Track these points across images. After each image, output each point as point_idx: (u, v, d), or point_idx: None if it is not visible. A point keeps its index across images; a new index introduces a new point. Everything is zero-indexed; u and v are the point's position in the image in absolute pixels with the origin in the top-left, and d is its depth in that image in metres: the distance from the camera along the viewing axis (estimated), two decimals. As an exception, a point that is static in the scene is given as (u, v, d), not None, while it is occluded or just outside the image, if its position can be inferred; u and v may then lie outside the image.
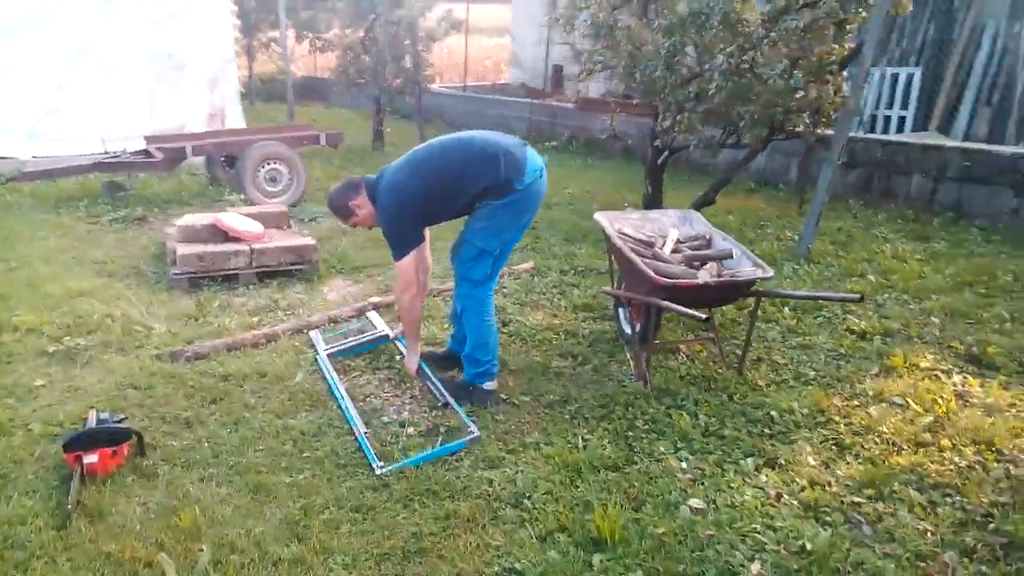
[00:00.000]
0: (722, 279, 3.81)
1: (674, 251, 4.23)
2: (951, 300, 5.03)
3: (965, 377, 3.94)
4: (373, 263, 6.18)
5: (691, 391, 3.86)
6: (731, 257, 4.07)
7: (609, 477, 3.13)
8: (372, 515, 2.90)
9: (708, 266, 4.00)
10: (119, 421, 3.30)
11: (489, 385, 3.84)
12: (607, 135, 7.84)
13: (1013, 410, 3.56)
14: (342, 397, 3.81)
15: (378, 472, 3.17)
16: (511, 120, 13.59)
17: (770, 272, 3.88)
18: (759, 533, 2.75)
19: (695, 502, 2.94)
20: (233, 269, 5.58)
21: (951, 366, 4.07)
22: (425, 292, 4.19)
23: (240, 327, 4.78)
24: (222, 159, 9.28)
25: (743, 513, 2.86)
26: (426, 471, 3.19)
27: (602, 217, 4.50)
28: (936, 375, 3.97)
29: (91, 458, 3.06)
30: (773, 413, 3.62)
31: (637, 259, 3.90)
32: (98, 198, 8.41)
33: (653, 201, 7.26)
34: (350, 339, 4.50)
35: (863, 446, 3.31)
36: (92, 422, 3.18)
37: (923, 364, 4.09)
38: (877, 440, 3.35)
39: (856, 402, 3.73)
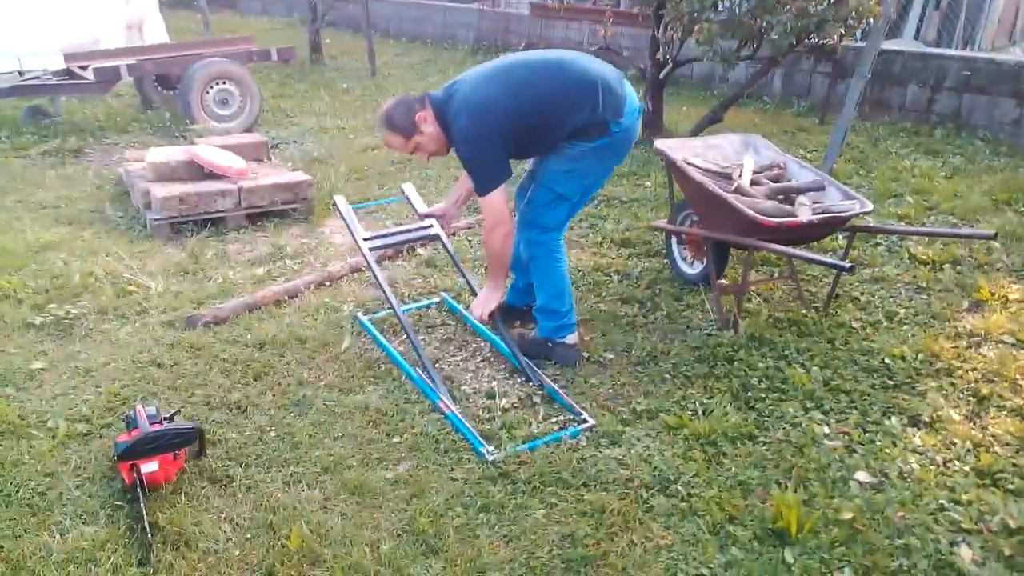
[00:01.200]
0: (827, 215, 3.45)
1: (753, 183, 3.83)
2: (1000, 221, 4.85)
3: (1061, 309, 3.76)
4: (372, 196, 5.56)
5: (787, 338, 3.54)
6: (823, 189, 3.70)
7: (752, 450, 2.79)
8: (507, 515, 2.49)
9: (801, 200, 3.62)
10: (172, 416, 2.73)
11: (571, 339, 3.42)
12: (598, 47, 7.25)
13: None
14: (412, 367, 3.32)
15: (489, 459, 2.74)
16: (456, 28, 12.75)
17: (869, 205, 3.54)
18: (949, 510, 2.48)
19: (862, 476, 2.64)
20: (220, 211, 4.90)
21: (1043, 297, 3.88)
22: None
23: (248, 281, 4.18)
24: (154, 79, 8.28)
25: (920, 486, 2.59)
26: (543, 453, 2.78)
27: (663, 145, 4.04)
28: (1029, 307, 3.78)
29: (150, 466, 2.51)
30: (887, 360, 3.35)
31: (730, 197, 3.48)
32: (20, 127, 7.37)
33: (654, 120, 6.82)
34: (392, 229, 3.86)
35: (1001, 396, 3.07)
36: (142, 419, 2.61)
37: (1012, 296, 3.88)
38: (1012, 389, 3.12)
39: (965, 343, 3.49)
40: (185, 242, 4.67)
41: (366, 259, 3.54)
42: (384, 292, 3.43)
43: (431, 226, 3.68)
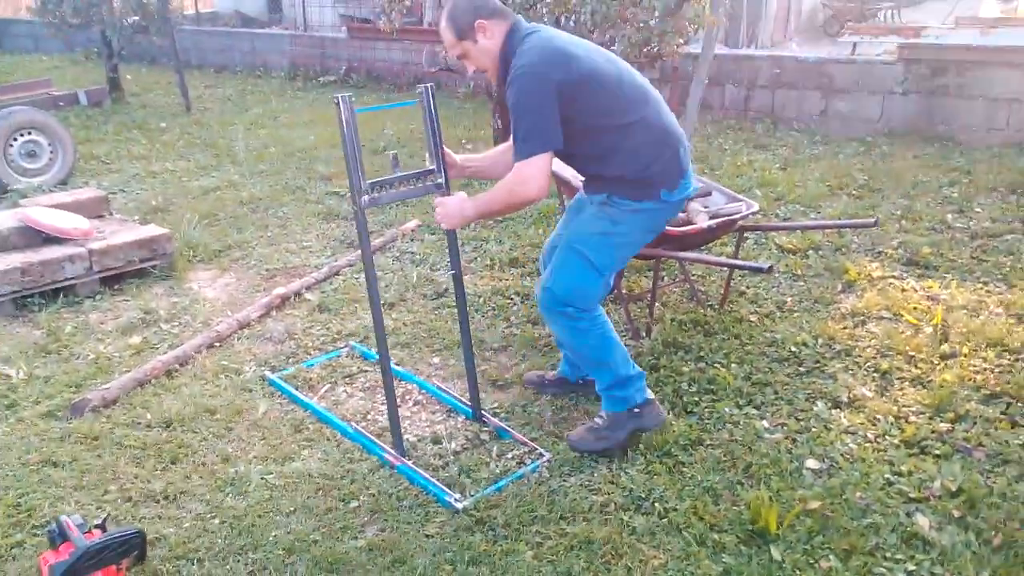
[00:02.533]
0: (723, 219, 3.64)
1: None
2: (841, 206, 5.34)
3: (918, 281, 4.18)
4: (234, 242, 5.23)
5: (698, 340, 3.70)
6: (710, 194, 3.91)
7: (706, 454, 2.89)
8: (497, 564, 2.41)
9: (693, 206, 3.80)
10: (104, 522, 2.41)
11: (649, 393, 2.94)
12: (439, 68, 7.24)
13: (986, 307, 3.84)
14: (344, 424, 3.15)
15: (459, 508, 2.65)
16: (268, 55, 12.29)
17: (755, 206, 3.79)
18: (895, 483, 2.69)
19: (812, 463, 2.81)
20: (70, 279, 4.40)
21: (899, 272, 4.31)
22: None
23: (125, 354, 3.80)
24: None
25: (864, 465, 2.79)
26: (511, 493, 2.73)
27: (556, 165, 4.09)
28: (891, 283, 4.18)
29: (94, 586, 2.21)
30: (792, 348, 3.59)
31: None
32: None
33: (505, 138, 6.89)
34: (396, 177, 2.83)
35: (900, 368, 3.38)
36: (73, 531, 2.28)
37: (875, 274, 4.28)
38: (906, 360, 3.43)
39: (852, 323, 3.80)
40: (36, 318, 4.15)
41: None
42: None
43: (433, 170, 2.90)
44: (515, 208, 2.80)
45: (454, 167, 2.97)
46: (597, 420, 2.93)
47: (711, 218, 3.66)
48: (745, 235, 4.70)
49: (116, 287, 4.53)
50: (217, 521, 2.63)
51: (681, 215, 3.73)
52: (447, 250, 4.41)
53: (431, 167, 2.86)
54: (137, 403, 3.34)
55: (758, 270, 3.28)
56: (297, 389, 3.43)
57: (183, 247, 5.05)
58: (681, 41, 5.83)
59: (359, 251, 4.94)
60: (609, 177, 2.72)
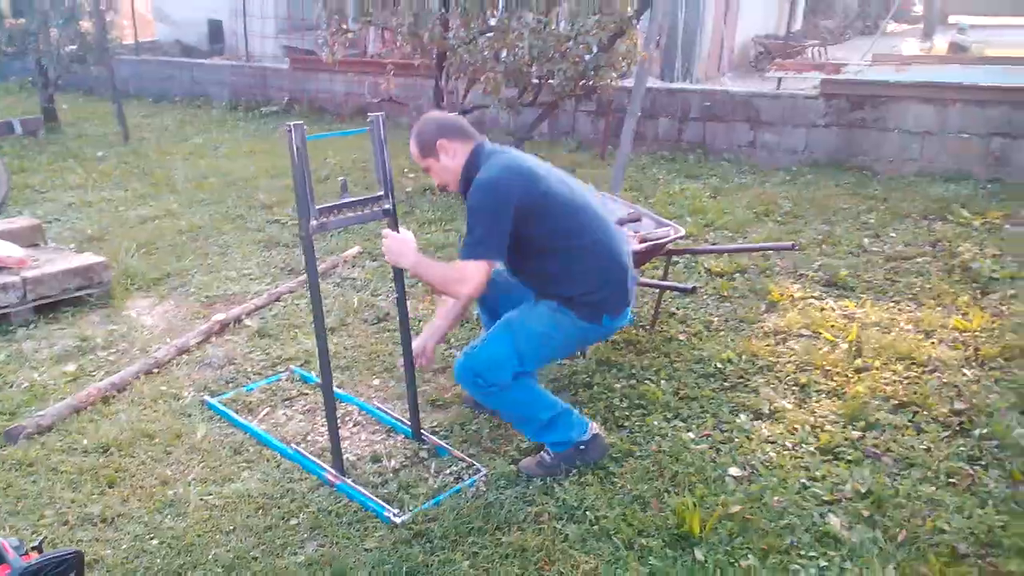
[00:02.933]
0: (652, 242, 3.81)
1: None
2: (766, 231, 5.60)
3: (836, 301, 4.42)
4: (173, 270, 5.23)
5: (630, 358, 3.85)
6: (640, 219, 4.09)
7: (636, 465, 3.02)
8: (434, 574, 2.49)
9: (623, 231, 3.97)
10: (40, 544, 2.42)
11: (588, 433, 2.98)
12: (380, 100, 7.37)
13: (897, 324, 4.09)
14: (284, 445, 3.20)
15: (398, 522, 2.73)
16: (208, 86, 12.26)
17: (682, 230, 3.98)
18: (810, 487, 2.86)
19: (734, 471, 2.96)
20: (2, 308, 4.36)
21: (819, 292, 4.55)
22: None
23: (60, 381, 3.78)
24: None
25: (782, 471, 2.95)
26: (449, 507, 2.81)
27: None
28: (811, 303, 4.41)
29: (30, 608, 2.22)
30: (718, 364, 3.76)
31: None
32: None
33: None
34: (344, 203, 2.86)
35: (817, 382, 3.57)
36: (9, 553, 2.29)
37: (796, 295, 4.51)
38: (823, 374, 3.63)
39: (774, 340, 4.00)
40: (-34, 348, 4.10)
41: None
42: None
43: (382, 196, 2.96)
44: (445, 293, 2.98)
45: (421, 353, 3.22)
46: (545, 456, 2.98)
47: (641, 242, 3.83)
48: (674, 259, 4.90)
49: (51, 316, 4.50)
50: (156, 542, 2.66)
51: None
52: (389, 276, 4.50)
53: (380, 193, 2.96)
54: (73, 429, 3.33)
55: (684, 290, 3.46)
56: (237, 413, 3.47)
57: (120, 275, 5.03)
58: (615, 75, 6.08)
59: (300, 277, 5.03)
60: (560, 296, 2.82)
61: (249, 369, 3.92)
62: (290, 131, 2.58)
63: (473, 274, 2.68)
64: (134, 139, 9.80)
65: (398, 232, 2.93)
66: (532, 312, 2.86)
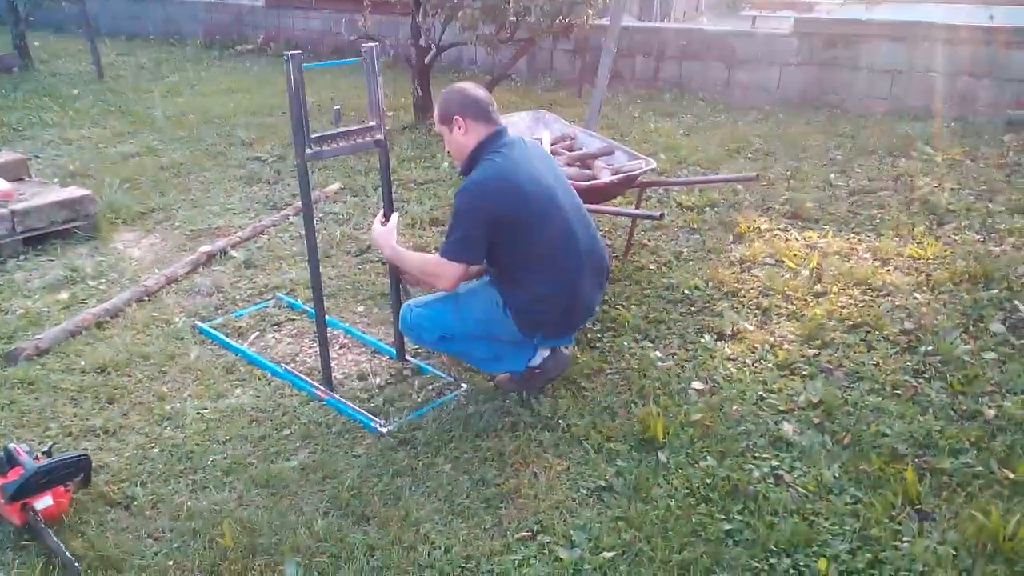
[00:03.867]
0: (623, 175, 3.97)
1: (553, 153, 4.27)
2: (736, 167, 5.77)
3: (800, 232, 4.63)
4: (157, 205, 5.33)
5: (603, 285, 4.04)
6: (613, 153, 4.24)
7: (606, 380, 3.23)
8: (419, 475, 2.70)
9: (597, 163, 4.13)
10: (50, 449, 2.60)
11: (536, 360, 3.09)
12: (356, 36, 7.37)
13: (856, 253, 4.30)
14: (274, 365, 3.37)
15: (384, 431, 2.93)
16: (182, 23, 12.09)
17: (654, 163, 4.13)
18: (767, 398, 3.09)
19: (697, 384, 3.18)
20: (-7, 239, 4.45)
21: (784, 225, 4.74)
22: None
23: (54, 308, 3.92)
24: None
25: (742, 385, 3.17)
26: (432, 418, 3.02)
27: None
28: (776, 234, 4.61)
29: (44, 502, 2.41)
30: (686, 291, 3.96)
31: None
32: None
33: (424, 104, 7.11)
34: (338, 132, 3.00)
35: (778, 306, 3.79)
36: (21, 455, 2.46)
37: (763, 227, 4.71)
38: (784, 299, 3.85)
39: (739, 269, 4.21)
40: (-42, 277, 4.21)
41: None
42: None
43: (374, 127, 3.07)
44: (426, 282, 3.02)
45: None
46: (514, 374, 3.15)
47: (613, 174, 3.99)
48: (646, 192, 5.07)
49: (39, 248, 4.60)
50: (157, 450, 2.84)
51: (586, 171, 4.07)
52: (370, 211, 4.64)
53: (372, 123, 3.07)
54: (70, 352, 3.48)
55: (651, 217, 3.63)
56: (228, 336, 3.62)
57: (106, 210, 5.11)
58: (591, 13, 6.14)
59: (283, 211, 5.14)
60: (510, 300, 2.88)
61: (237, 297, 4.06)
62: (288, 60, 2.68)
63: (449, 272, 2.79)
64: (109, 77, 9.73)
65: (388, 219, 3.07)
66: (480, 294, 2.93)
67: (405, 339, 3.38)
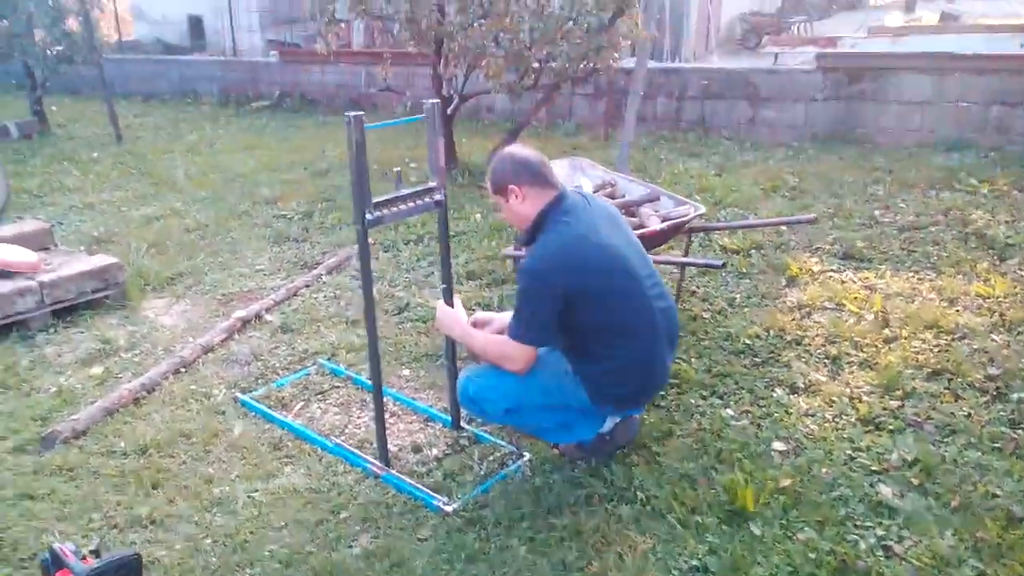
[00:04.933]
0: (675, 222, 3.81)
1: (597, 202, 4.12)
2: (776, 207, 5.61)
3: (855, 273, 4.44)
4: (186, 269, 5.19)
5: (658, 338, 3.85)
6: (658, 199, 4.09)
7: (679, 444, 3.03)
8: (493, 559, 2.49)
9: (643, 210, 3.98)
10: (97, 548, 2.41)
11: (606, 427, 2.89)
12: (379, 89, 7.31)
13: (920, 294, 4.11)
14: (323, 438, 3.19)
15: (449, 510, 2.73)
16: (197, 82, 12.14)
17: (702, 208, 3.98)
18: (856, 457, 2.88)
19: (778, 445, 2.98)
20: (22, 314, 4.31)
21: (837, 265, 4.57)
22: None
23: (88, 384, 3.75)
24: None
25: (826, 443, 2.96)
26: (498, 493, 2.81)
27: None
28: (830, 276, 4.43)
29: (94, 613, 2.21)
30: (746, 341, 3.77)
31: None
32: None
33: (448, 154, 7.01)
34: (400, 195, 2.81)
35: (848, 353, 3.59)
36: (69, 558, 2.27)
37: (815, 268, 4.53)
38: (853, 346, 3.65)
39: (799, 314, 4.02)
40: (-13, 355, 4.05)
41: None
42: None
43: (434, 188, 2.90)
44: (496, 363, 2.75)
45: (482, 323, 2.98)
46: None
47: (662, 221, 3.83)
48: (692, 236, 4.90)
49: (68, 319, 4.45)
50: (209, 541, 2.64)
51: (633, 219, 3.91)
52: (403, 267, 4.49)
53: (432, 184, 2.93)
54: (109, 432, 3.30)
55: (713, 266, 3.46)
56: (271, 408, 3.45)
57: (134, 276, 4.98)
58: (616, 55, 6.05)
59: (314, 271, 4.99)
60: (581, 368, 2.70)
61: (276, 364, 3.89)
62: (349, 123, 2.54)
63: (519, 356, 2.63)
64: (127, 139, 9.70)
65: (451, 304, 2.94)
66: (546, 361, 2.71)
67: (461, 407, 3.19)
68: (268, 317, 4.42)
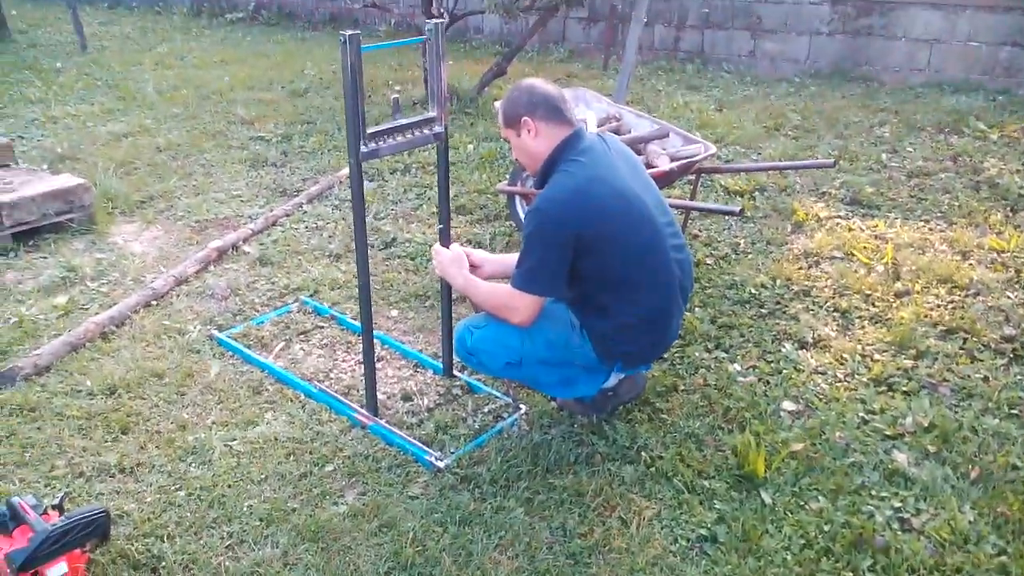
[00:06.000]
0: (685, 161, 3.58)
1: (600, 136, 3.86)
2: (780, 147, 5.38)
3: (863, 220, 4.26)
4: (157, 192, 4.89)
5: (659, 284, 3.67)
6: (667, 136, 3.84)
7: (684, 400, 2.87)
8: (489, 523, 2.34)
9: (652, 148, 3.74)
10: (61, 502, 2.22)
11: (610, 382, 2.69)
12: (363, 4, 6.88)
13: (931, 245, 3.95)
14: (307, 384, 2.99)
15: (441, 467, 2.56)
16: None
17: (713, 148, 3.75)
18: (870, 421, 2.74)
19: (788, 405, 2.83)
20: (-23, 235, 4.02)
21: (844, 212, 4.38)
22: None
23: (51, 315, 3.51)
24: None
25: (838, 405, 2.82)
26: (494, 448, 2.65)
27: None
28: (838, 223, 4.24)
29: (57, 570, 2.04)
30: (752, 290, 3.60)
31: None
32: None
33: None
34: (396, 126, 2.56)
35: (858, 307, 3.43)
36: (29, 514, 2.08)
37: (822, 214, 4.34)
38: (863, 299, 3.49)
39: (806, 263, 3.84)
40: (-59, 280, 3.78)
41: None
42: None
43: (434, 118, 2.66)
44: (499, 316, 2.50)
45: (475, 265, 2.68)
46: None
47: (671, 160, 3.60)
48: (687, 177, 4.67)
49: (31, 243, 4.17)
50: (183, 493, 2.46)
51: (639, 157, 3.66)
52: (390, 197, 4.25)
53: (432, 115, 2.65)
54: (74, 369, 3.08)
55: (729, 213, 3.25)
56: (249, 348, 3.24)
57: (101, 198, 4.67)
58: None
59: (294, 199, 4.72)
60: (589, 323, 2.50)
61: (255, 300, 3.67)
62: (344, 43, 2.26)
63: (523, 307, 2.40)
64: (92, 48, 9.16)
65: (448, 247, 2.68)
66: (552, 312, 2.51)
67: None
68: (246, 248, 4.17)
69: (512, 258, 2.50)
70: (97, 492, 2.46)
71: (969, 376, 2.94)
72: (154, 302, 3.61)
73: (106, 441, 2.69)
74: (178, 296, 3.69)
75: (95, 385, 2.97)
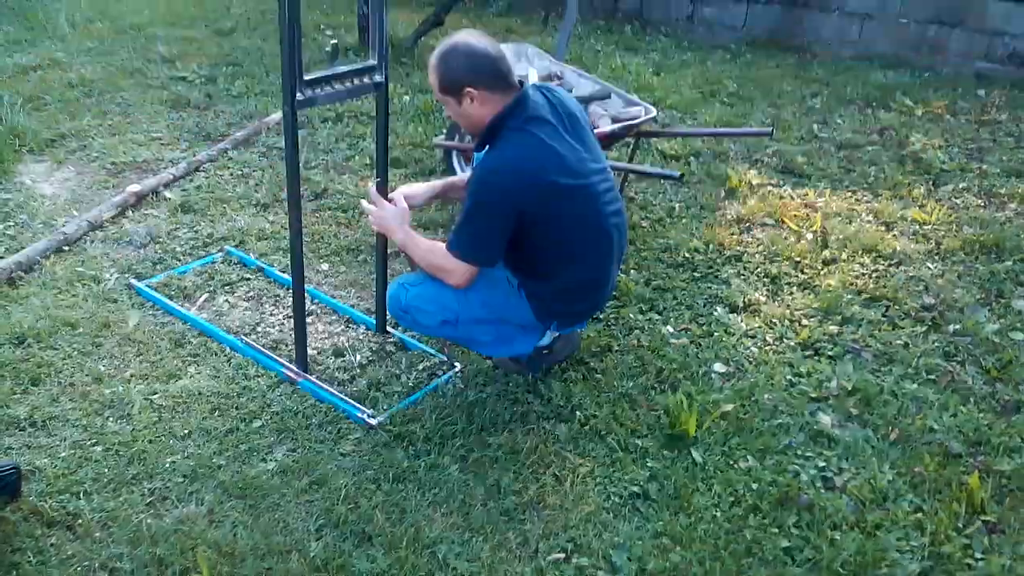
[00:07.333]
0: (626, 123, 3.56)
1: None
2: (716, 113, 5.41)
3: (794, 188, 4.33)
4: (69, 131, 4.61)
5: (595, 244, 3.66)
6: (608, 97, 3.81)
7: (618, 360, 2.89)
8: (423, 480, 2.31)
9: (594, 109, 3.70)
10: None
11: (545, 341, 2.68)
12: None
13: (857, 215, 4.05)
14: (233, 337, 2.88)
15: (374, 423, 2.51)
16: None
17: (654, 111, 3.74)
18: (796, 384, 2.81)
19: (719, 367, 2.88)
20: None
21: (777, 179, 4.44)
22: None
23: (-48, 258, 3.27)
24: None
25: (767, 368, 2.88)
26: (428, 406, 2.62)
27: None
28: (770, 190, 4.31)
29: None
30: (686, 254, 3.62)
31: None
32: None
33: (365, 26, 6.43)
34: (334, 73, 2.44)
35: (788, 273, 3.50)
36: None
37: (754, 181, 4.39)
38: (792, 265, 3.56)
39: (738, 229, 3.89)
40: None
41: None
42: None
43: (374, 67, 2.53)
44: (434, 274, 2.45)
45: (409, 197, 2.59)
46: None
47: (613, 122, 3.57)
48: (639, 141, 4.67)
49: (-72, 181, 3.88)
50: (100, 448, 2.35)
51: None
52: (320, 145, 4.11)
53: (372, 63, 2.53)
54: (-22, 318, 2.89)
55: (670, 177, 3.25)
56: (171, 299, 3.10)
57: (6, 134, 4.38)
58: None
59: (219, 144, 4.51)
60: (529, 286, 2.48)
61: (177, 249, 3.51)
62: None
63: (458, 272, 2.35)
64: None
65: (387, 198, 2.56)
66: (491, 274, 2.45)
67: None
68: (167, 194, 3.97)
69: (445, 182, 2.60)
70: (6, 446, 2.32)
71: (890, 342, 3.04)
72: (66, 247, 3.42)
73: (15, 393, 2.54)
74: (92, 242, 3.49)
75: (2, 334, 2.81)
